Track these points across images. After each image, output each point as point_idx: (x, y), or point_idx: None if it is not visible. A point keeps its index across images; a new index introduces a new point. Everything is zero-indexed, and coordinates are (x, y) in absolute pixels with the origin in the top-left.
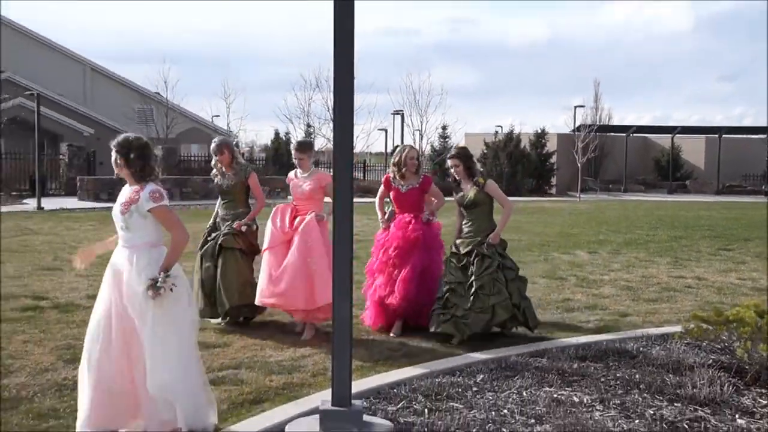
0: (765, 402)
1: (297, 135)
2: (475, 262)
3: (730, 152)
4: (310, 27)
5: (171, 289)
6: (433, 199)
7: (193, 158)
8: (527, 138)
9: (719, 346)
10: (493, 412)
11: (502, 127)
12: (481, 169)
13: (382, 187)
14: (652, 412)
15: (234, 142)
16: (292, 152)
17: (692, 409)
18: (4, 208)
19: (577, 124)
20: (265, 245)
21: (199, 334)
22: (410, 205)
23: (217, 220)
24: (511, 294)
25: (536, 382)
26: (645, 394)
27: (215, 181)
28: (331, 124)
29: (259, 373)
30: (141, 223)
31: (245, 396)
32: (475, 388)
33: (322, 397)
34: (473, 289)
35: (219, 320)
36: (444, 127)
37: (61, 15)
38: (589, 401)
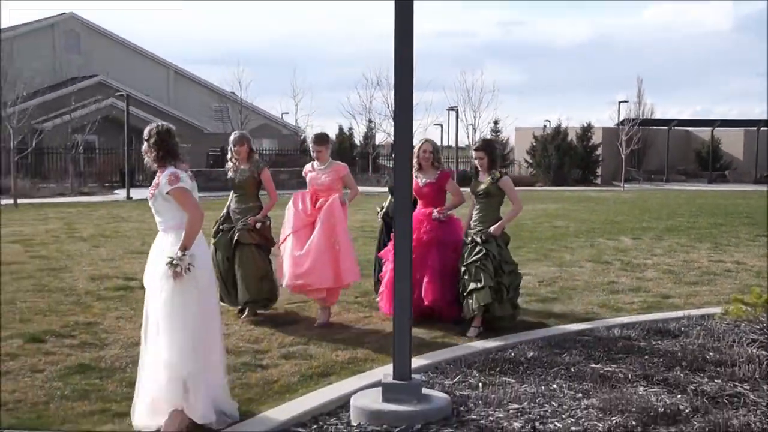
0: None
1: (360, 130)
2: (468, 248)
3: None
4: (373, 30)
5: (189, 269)
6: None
7: (264, 152)
8: (574, 132)
9: (758, 327)
10: (543, 387)
11: (550, 121)
12: (502, 169)
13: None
14: (693, 387)
15: (302, 137)
16: (310, 145)
17: (732, 385)
18: (98, 198)
19: (621, 119)
20: (288, 230)
21: (270, 313)
22: (428, 199)
23: (229, 211)
24: (505, 287)
25: (583, 359)
26: (686, 371)
27: (228, 174)
28: (391, 120)
29: (327, 349)
30: (166, 206)
31: (314, 369)
32: (525, 364)
33: (384, 372)
34: (460, 274)
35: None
36: (496, 122)
37: (149, 24)
38: (634, 377)
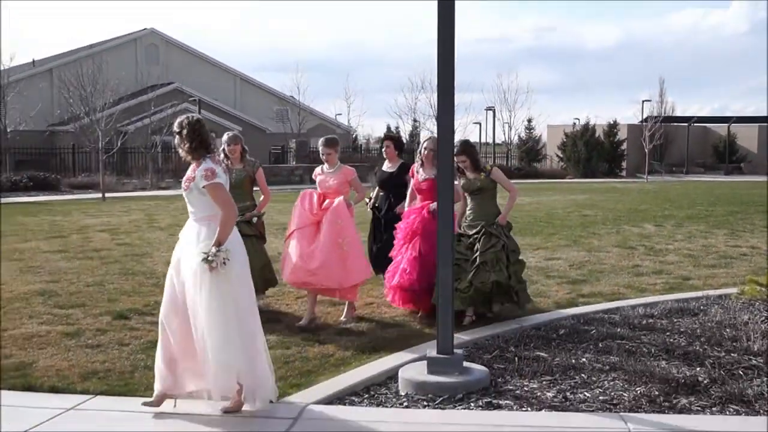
0: None
1: (405, 129)
2: (481, 239)
3: None
4: (418, 37)
5: (224, 263)
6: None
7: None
8: (601, 128)
9: None
10: (573, 360)
11: (579, 119)
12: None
13: (411, 179)
14: (711, 361)
15: (353, 136)
16: (320, 148)
17: (747, 358)
18: (174, 192)
19: (645, 116)
20: (293, 226)
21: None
22: (427, 194)
23: None
24: (510, 275)
25: (610, 335)
26: (705, 346)
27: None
28: (434, 120)
29: (377, 327)
30: (200, 199)
31: (365, 344)
32: (557, 340)
33: (429, 347)
34: (476, 264)
35: None
36: (529, 120)
37: (217, 36)
38: (656, 351)
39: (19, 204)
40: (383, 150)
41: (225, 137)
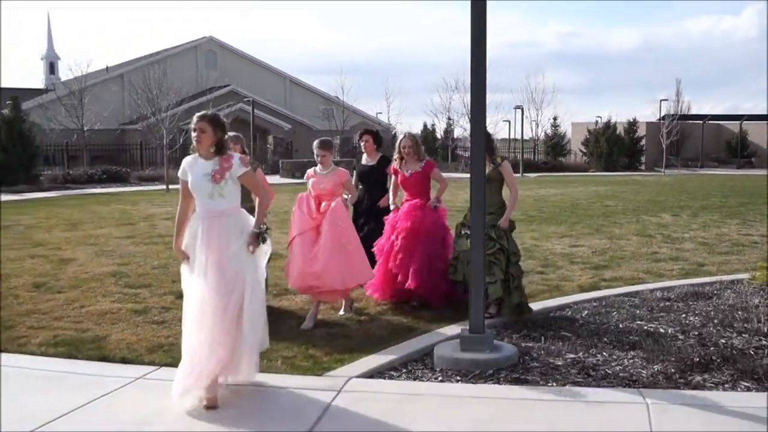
0: None
1: (440, 126)
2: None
3: None
4: (453, 41)
5: (264, 241)
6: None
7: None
8: (621, 126)
9: None
10: (595, 340)
11: (601, 117)
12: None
13: (393, 177)
14: (723, 341)
15: (393, 132)
16: (315, 150)
17: (757, 339)
18: None
19: (662, 114)
20: (294, 232)
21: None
22: (415, 189)
23: None
24: (512, 277)
25: (630, 317)
26: (718, 327)
27: None
28: (467, 118)
29: (413, 309)
30: (232, 189)
31: (403, 325)
32: (580, 321)
33: (462, 327)
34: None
35: None
36: (555, 118)
37: (269, 42)
38: (673, 332)
39: (94, 195)
40: (362, 144)
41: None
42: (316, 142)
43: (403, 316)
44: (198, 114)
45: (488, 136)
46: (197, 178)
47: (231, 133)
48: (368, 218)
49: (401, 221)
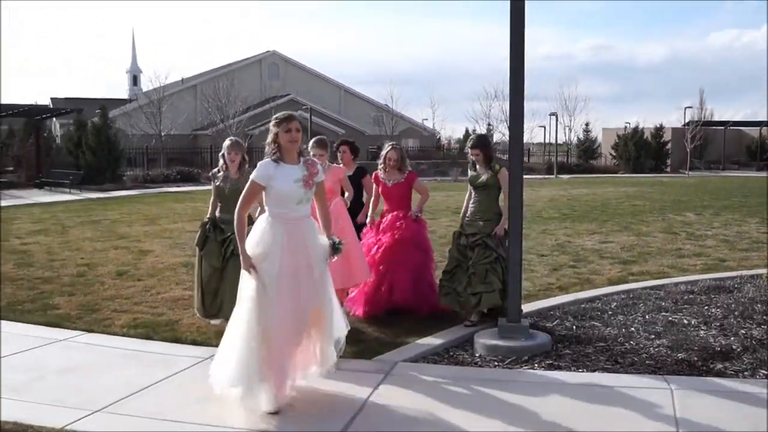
0: None
1: (481, 131)
2: (476, 249)
3: None
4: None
5: (339, 252)
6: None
7: (410, 149)
8: (648, 131)
9: None
10: (623, 329)
11: (629, 123)
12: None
13: (374, 186)
14: (743, 332)
15: (437, 137)
16: (311, 150)
17: None
18: None
19: (687, 120)
20: None
21: None
22: (397, 199)
23: (216, 221)
24: (504, 286)
25: (656, 308)
26: (738, 319)
27: (216, 183)
28: (506, 123)
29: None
30: (310, 195)
31: (447, 315)
32: (609, 312)
33: (500, 317)
34: (468, 273)
35: (218, 321)
36: (587, 124)
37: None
38: (696, 323)
39: (170, 193)
40: (339, 155)
41: (226, 143)
42: (312, 142)
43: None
44: (287, 114)
45: (488, 142)
46: (287, 184)
47: (231, 138)
48: None
49: (384, 233)
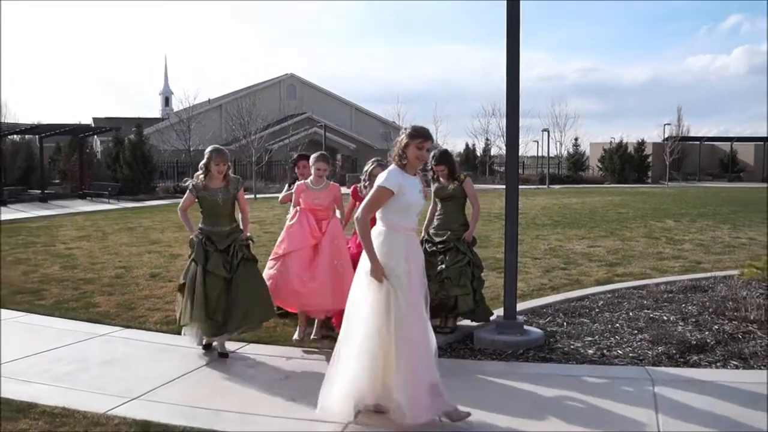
0: None
1: (479, 146)
2: (448, 253)
3: None
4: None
5: None
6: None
7: None
8: (632, 145)
9: (765, 284)
10: (609, 325)
11: (615, 138)
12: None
13: (351, 199)
14: (716, 327)
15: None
16: (316, 163)
17: (745, 325)
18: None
19: (666, 136)
20: (290, 247)
21: None
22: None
23: (208, 234)
24: (475, 290)
25: (638, 306)
26: (712, 315)
27: (200, 194)
28: (502, 138)
29: None
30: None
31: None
32: (597, 310)
33: (498, 314)
34: (442, 277)
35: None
36: (576, 139)
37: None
38: (674, 319)
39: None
40: (313, 170)
41: (213, 152)
42: (314, 156)
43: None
44: (426, 131)
45: (451, 157)
46: (413, 194)
47: (218, 148)
48: None
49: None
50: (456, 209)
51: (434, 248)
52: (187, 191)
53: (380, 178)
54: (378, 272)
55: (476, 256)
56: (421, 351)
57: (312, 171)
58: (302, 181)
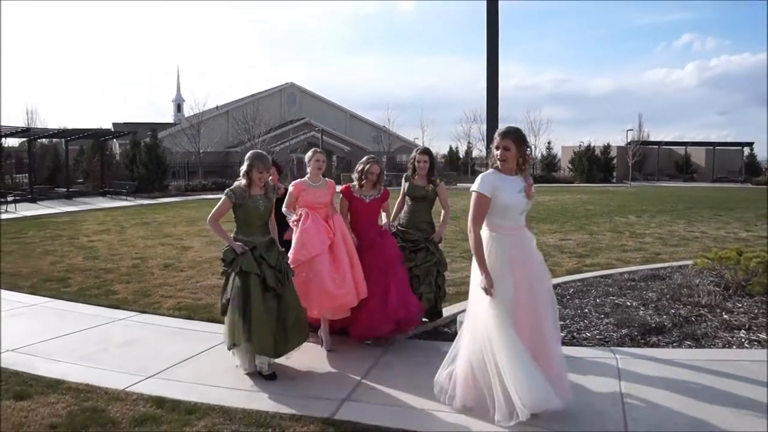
0: (740, 305)
1: (462, 148)
2: (419, 253)
3: (719, 156)
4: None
5: None
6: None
7: (402, 163)
8: (598, 149)
9: (715, 273)
10: (579, 311)
11: (583, 142)
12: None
13: (342, 198)
14: (673, 311)
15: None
16: (315, 155)
17: (697, 310)
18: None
19: (629, 140)
20: (313, 252)
21: None
22: (371, 216)
23: (255, 244)
24: (440, 287)
25: (604, 293)
26: (669, 301)
27: (242, 202)
28: (483, 142)
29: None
30: (530, 205)
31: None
32: (567, 297)
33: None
34: (411, 275)
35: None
36: (549, 143)
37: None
38: (636, 305)
39: (207, 199)
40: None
41: (256, 158)
42: (312, 151)
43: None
44: (500, 131)
45: (432, 156)
46: (511, 194)
47: (261, 153)
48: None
49: (388, 251)
50: (426, 209)
51: (403, 245)
52: (224, 197)
53: (474, 184)
54: (487, 285)
55: (442, 254)
56: (525, 352)
57: (310, 166)
58: (299, 181)
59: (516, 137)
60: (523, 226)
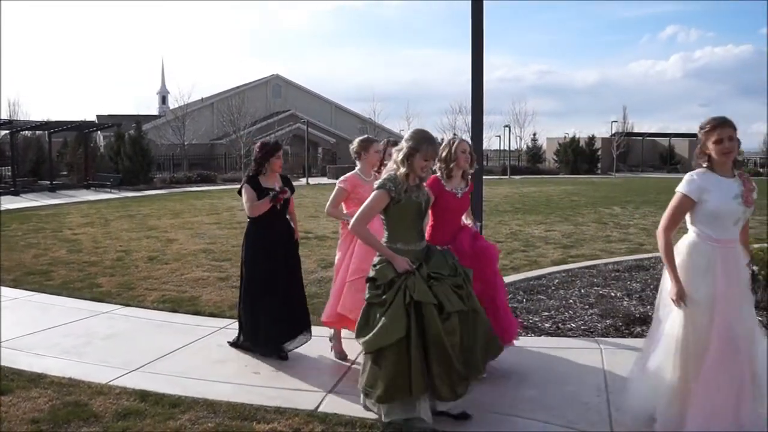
0: None
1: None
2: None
3: None
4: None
5: None
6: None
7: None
8: (583, 140)
9: None
10: (563, 301)
11: (568, 133)
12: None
13: (431, 196)
14: (657, 301)
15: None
16: (377, 148)
17: None
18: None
19: (613, 132)
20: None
21: None
22: (460, 215)
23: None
24: None
25: (589, 284)
26: (653, 291)
27: (403, 198)
28: (468, 134)
29: None
30: (750, 213)
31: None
32: (553, 288)
33: None
34: None
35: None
36: (534, 134)
37: (322, 79)
38: (620, 295)
39: (191, 192)
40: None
41: (421, 138)
42: (381, 142)
43: None
44: (715, 120)
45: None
46: (726, 200)
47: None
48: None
49: (492, 258)
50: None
51: None
52: (378, 191)
53: (680, 184)
54: (677, 294)
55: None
56: (721, 381)
57: (369, 158)
58: (350, 175)
59: (735, 127)
60: (736, 239)
